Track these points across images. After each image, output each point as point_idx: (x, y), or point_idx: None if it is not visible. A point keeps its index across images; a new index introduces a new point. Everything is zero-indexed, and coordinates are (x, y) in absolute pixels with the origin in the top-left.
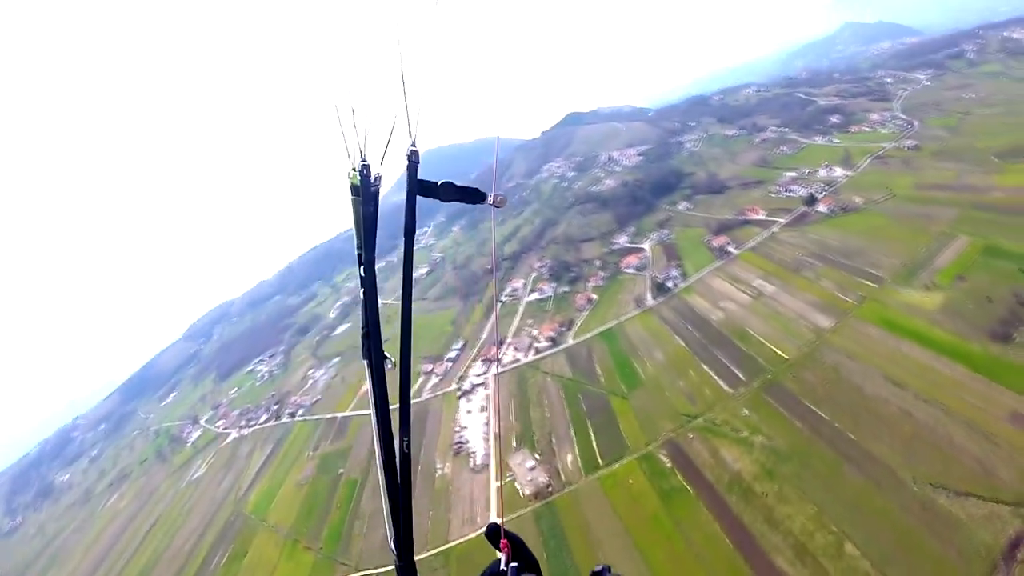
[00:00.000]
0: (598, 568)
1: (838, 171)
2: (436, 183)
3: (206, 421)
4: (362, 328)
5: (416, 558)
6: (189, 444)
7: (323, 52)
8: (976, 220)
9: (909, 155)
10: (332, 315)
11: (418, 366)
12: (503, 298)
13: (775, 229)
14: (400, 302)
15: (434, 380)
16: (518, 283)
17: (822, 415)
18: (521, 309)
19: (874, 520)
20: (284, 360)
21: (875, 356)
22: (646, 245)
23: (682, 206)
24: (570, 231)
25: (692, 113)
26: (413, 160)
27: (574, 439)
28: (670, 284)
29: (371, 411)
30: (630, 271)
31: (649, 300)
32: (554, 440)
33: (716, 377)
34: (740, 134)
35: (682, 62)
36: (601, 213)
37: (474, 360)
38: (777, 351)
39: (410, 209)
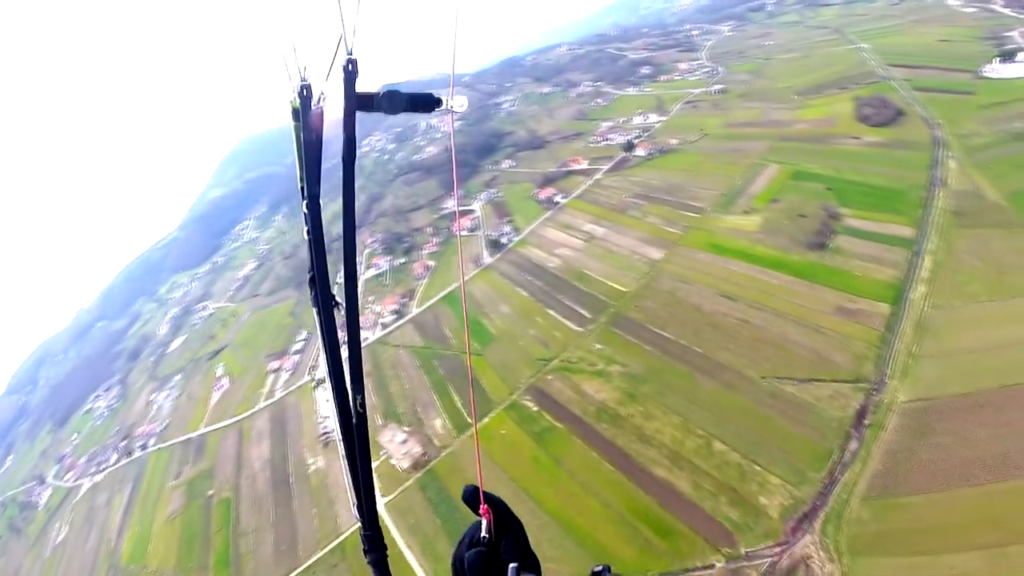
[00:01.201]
0: (598, 568)
1: (652, 117)
2: (378, 93)
3: (53, 477)
4: (309, 271)
5: (309, 560)
6: (41, 507)
7: None
8: (783, 150)
9: (717, 98)
10: (163, 331)
11: (264, 364)
12: (339, 280)
13: (598, 176)
14: (343, 242)
15: (284, 376)
16: None
17: (668, 336)
18: (360, 288)
19: (733, 417)
20: (122, 390)
21: (707, 276)
22: (476, 206)
23: (506, 164)
24: (398, 202)
25: (507, 75)
26: (351, 71)
27: (438, 404)
28: (504, 240)
29: (324, 364)
30: (463, 233)
31: (486, 258)
32: (419, 409)
33: (564, 319)
34: (555, 91)
35: (497, 31)
36: (427, 181)
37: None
38: (616, 286)
39: (348, 129)
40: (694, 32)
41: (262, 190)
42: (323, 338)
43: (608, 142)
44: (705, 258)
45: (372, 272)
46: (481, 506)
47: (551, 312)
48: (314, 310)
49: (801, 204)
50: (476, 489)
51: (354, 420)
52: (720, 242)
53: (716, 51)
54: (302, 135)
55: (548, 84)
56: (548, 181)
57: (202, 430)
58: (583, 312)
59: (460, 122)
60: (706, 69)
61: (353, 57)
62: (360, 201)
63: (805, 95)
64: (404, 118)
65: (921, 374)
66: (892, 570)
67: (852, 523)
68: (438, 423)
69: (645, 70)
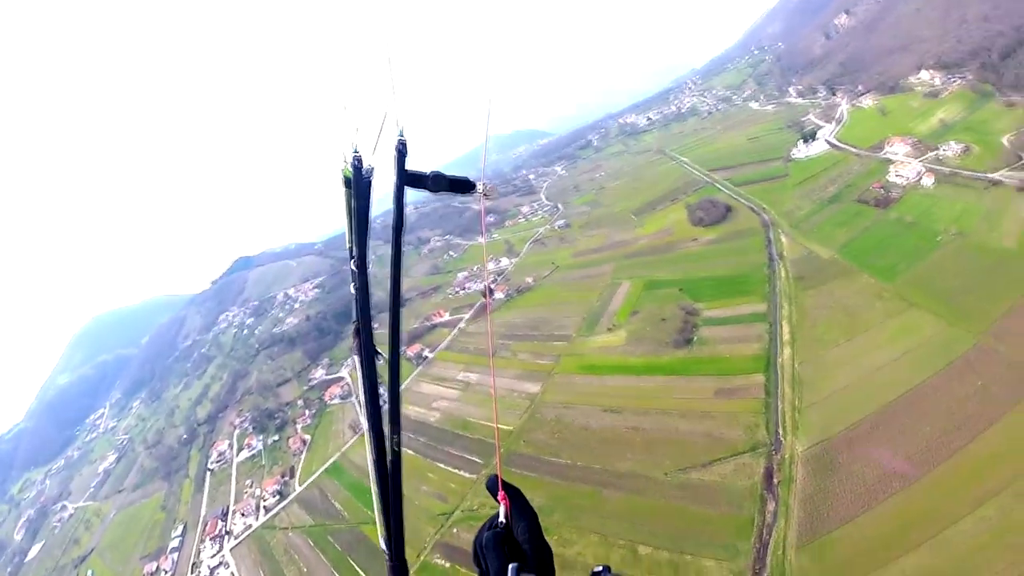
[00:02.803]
0: (598, 568)
1: (505, 261)
2: (425, 173)
3: None
4: (353, 323)
5: None
6: None
7: (310, 47)
8: (632, 266)
9: (562, 232)
10: (18, 537)
11: (140, 567)
12: (211, 466)
13: (462, 325)
14: (389, 300)
15: None
16: (223, 445)
17: (564, 461)
18: (234, 472)
19: (649, 519)
20: None
21: (588, 397)
22: (344, 372)
23: None
24: (263, 377)
25: None
26: (401, 150)
27: None
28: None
29: (363, 410)
30: (336, 401)
31: (363, 422)
32: None
33: (455, 470)
34: (408, 249)
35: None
36: (291, 352)
37: (203, 541)
38: (502, 427)
39: (398, 201)
40: (531, 176)
41: (115, 374)
42: (364, 386)
43: (466, 291)
44: (582, 380)
45: (246, 454)
46: (499, 493)
47: (441, 465)
48: (356, 358)
49: (659, 310)
50: (497, 477)
51: (389, 457)
52: (593, 362)
53: (553, 190)
54: (353, 203)
55: None
56: (414, 337)
57: None
58: (473, 459)
59: (316, 290)
60: (547, 208)
61: (404, 138)
62: (223, 380)
63: (641, 213)
64: (261, 289)
65: (810, 422)
66: None
67: (796, 574)
68: None
69: (491, 218)
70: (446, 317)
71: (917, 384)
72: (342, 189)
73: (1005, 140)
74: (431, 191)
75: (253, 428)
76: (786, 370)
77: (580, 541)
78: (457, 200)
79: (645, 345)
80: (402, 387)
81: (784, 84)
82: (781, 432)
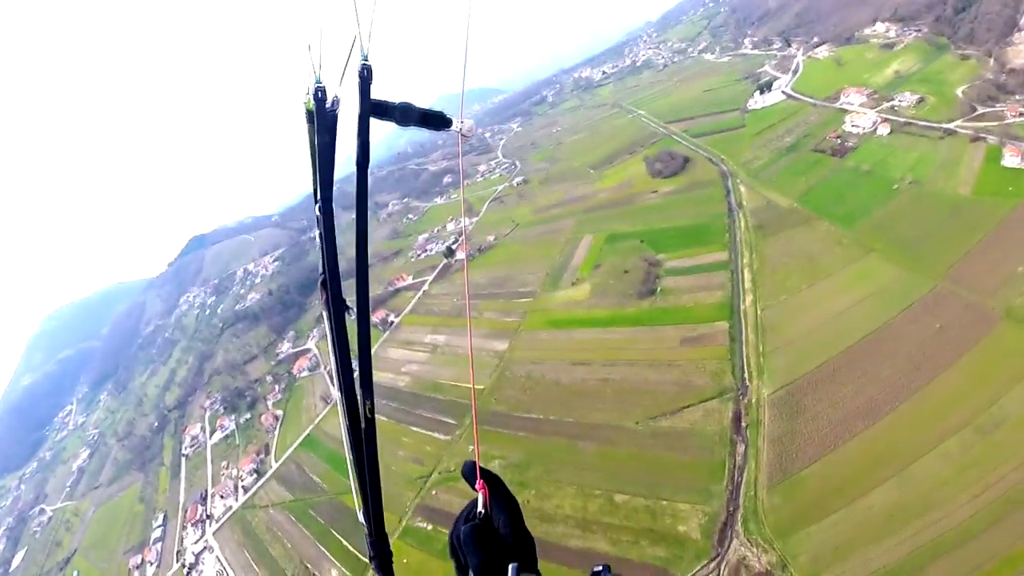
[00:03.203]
0: (598, 568)
1: (465, 220)
2: (393, 103)
3: None
4: (320, 274)
5: None
6: None
7: None
8: (592, 220)
9: (521, 189)
10: (0, 546)
11: (125, 562)
12: (185, 451)
13: (426, 287)
14: (355, 245)
15: (151, 569)
16: (195, 429)
17: (537, 416)
18: (209, 455)
19: (624, 468)
20: None
21: (556, 352)
22: (311, 344)
23: None
24: (230, 357)
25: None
26: (366, 76)
27: (329, 555)
28: None
29: (333, 370)
30: (305, 374)
31: (335, 392)
32: (310, 566)
33: (430, 432)
34: None
35: (297, 165)
36: (256, 329)
37: (184, 528)
38: (471, 387)
39: (362, 134)
40: (486, 134)
41: (79, 369)
42: (333, 342)
43: (428, 253)
44: (549, 336)
45: (219, 435)
46: (477, 481)
47: (415, 429)
48: (324, 313)
49: (622, 262)
50: (474, 464)
51: (363, 425)
52: (558, 317)
53: (510, 147)
54: (315, 139)
55: None
56: (378, 303)
57: None
58: (447, 420)
59: (276, 263)
60: (505, 166)
61: (368, 63)
62: (189, 363)
63: (600, 167)
64: (220, 267)
65: (775, 366)
66: (821, 534)
67: (769, 512)
68: (334, 574)
69: (448, 179)
70: (409, 280)
71: (877, 328)
72: (304, 125)
73: (959, 91)
74: (400, 124)
75: (224, 409)
76: (749, 317)
77: (558, 494)
78: (413, 161)
79: (609, 297)
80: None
81: (739, 36)
82: (747, 377)
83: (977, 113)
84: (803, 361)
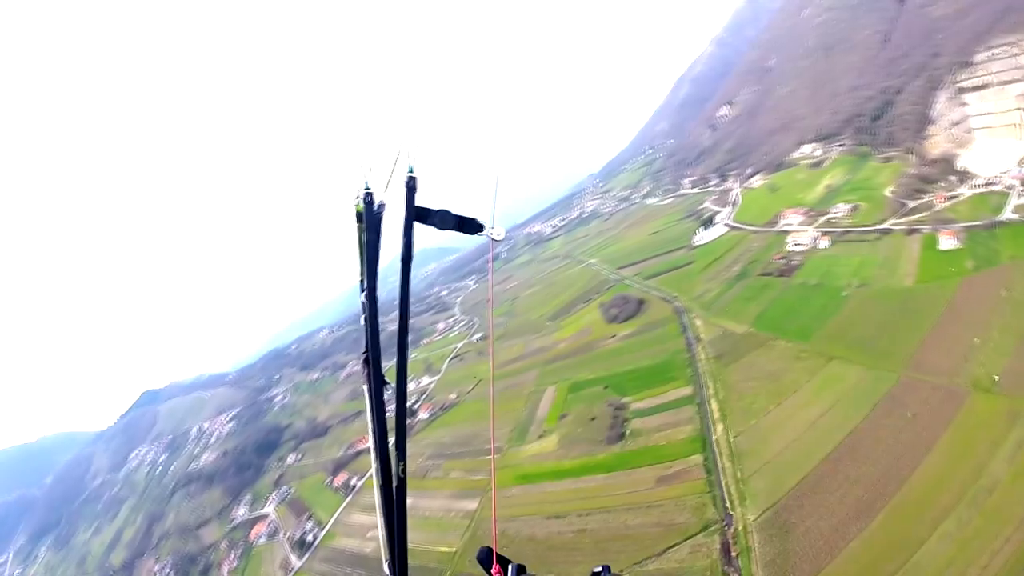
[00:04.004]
0: (598, 569)
1: (425, 379)
2: (433, 209)
3: None
4: (362, 353)
5: None
6: None
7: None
8: (554, 370)
9: (481, 346)
10: None
11: None
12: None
13: None
14: (397, 328)
15: None
16: None
17: None
18: None
19: None
20: None
21: (528, 507)
22: (269, 509)
23: (292, 459)
24: (182, 519)
25: (272, 367)
26: (411, 186)
27: None
28: (310, 537)
29: (369, 436)
30: (263, 541)
31: (296, 562)
32: None
33: None
34: (325, 375)
35: (255, 324)
36: (210, 490)
37: None
38: (443, 549)
39: (407, 235)
40: (443, 293)
41: (18, 517)
42: (371, 414)
43: (389, 414)
44: (519, 492)
45: None
46: (493, 567)
47: None
48: (365, 387)
49: (587, 410)
50: (490, 550)
51: (394, 484)
52: (528, 472)
53: (467, 304)
54: (364, 235)
55: (316, 370)
56: (340, 466)
57: None
58: None
59: (232, 423)
60: (463, 323)
61: (414, 175)
62: (137, 523)
63: (557, 318)
64: (174, 424)
65: (756, 490)
66: None
67: None
68: None
69: (408, 337)
70: (370, 442)
71: (851, 430)
72: (353, 224)
73: (888, 192)
74: (438, 228)
75: (174, 575)
76: (722, 445)
77: None
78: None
79: (579, 447)
80: (331, 520)
81: (678, 177)
82: (729, 506)
83: (908, 208)
84: (784, 479)
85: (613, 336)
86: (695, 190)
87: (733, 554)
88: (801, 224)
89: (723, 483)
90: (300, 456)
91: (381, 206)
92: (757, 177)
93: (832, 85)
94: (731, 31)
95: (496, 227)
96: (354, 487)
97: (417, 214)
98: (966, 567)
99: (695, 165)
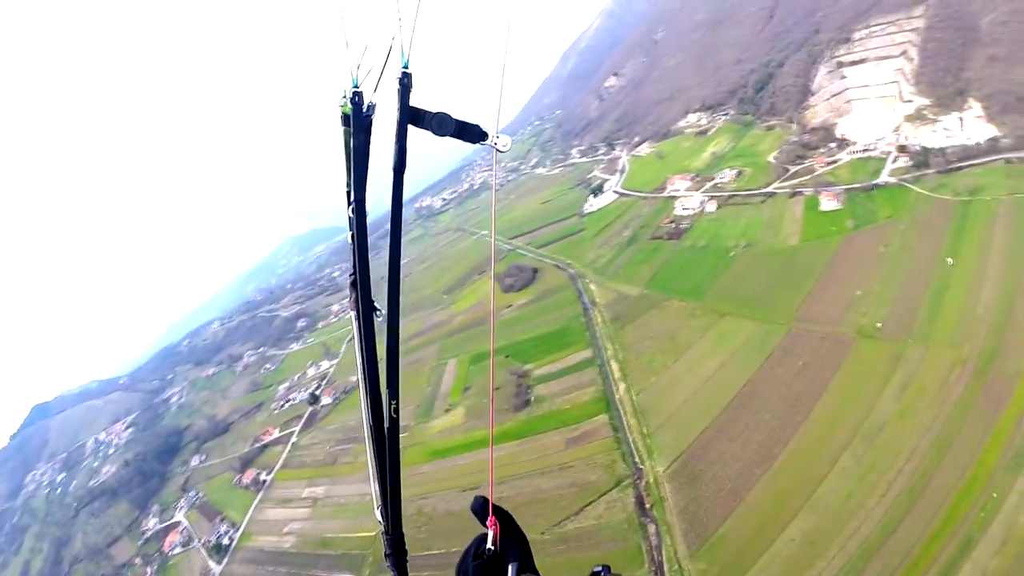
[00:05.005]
0: (598, 569)
1: (325, 364)
2: (431, 111)
3: None
4: (350, 275)
5: None
6: None
7: None
8: (454, 344)
9: (377, 325)
10: None
11: None
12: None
13: (295, 439)
14: (388, 246)
15: None
16: None
17: (438, 551)
18: None
19: None
20: None
21: (443, 482)
22: (180, 516)
23: (196, 461)
24: (90, 540)
25: (166, 366)
26: (405, 83)
27: None
28: (227, 540)
29: (359, 369)
30: (178, 551)
31: (215, 568)
32: None
33: None
34: (221, 369)
35: (141, 321)
36: (115, 505)
37: None
38: (364, 534)
39: (400, 140)
40: (335, 274)
41: None
42: (360, 341)
43: (291, 402)
44: (432, 467)
45: None
46: (489, 517)
47: None
48: (352, 313)
49: (492, 378)
50: (486, 500)
51: (386, 424)
52: (438, 447)
53: None
54: (351, 140)
55: (211, 365)
56: (247, 463)
57: None
58: (345, 575)
59: (130, 430)
60: None
61: (408, 71)
62: (44, 552)
63: (453, 291)
64: (68, 439)
65: (663, 443)
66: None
67: None
68: None
69: (302, 323)
70: (276, 434)
71: (747, 381)
72: (340, 128)
73: (771, 158)
74: (435, 133)
75: None
76: (626, 404)
77: None
78: (264, 308)
79: (485, 417)
80: (245, 520)
81: (567, 147)
82: (638, 460)
83: (790, 173)
84: (687, 431)
85: (510, 306)
86: (584, 159)
87: (647, 505)
88: (688, 190)
89: (630, 439)
90: (204, 457)
91: (371, 107)
92: (644, 145)
93: (718, 58)
94: (620, 4)
95: (501, 136)
96: (264, 482)
97: (412, 116)
98: (865, 498)
99: (583, 135)
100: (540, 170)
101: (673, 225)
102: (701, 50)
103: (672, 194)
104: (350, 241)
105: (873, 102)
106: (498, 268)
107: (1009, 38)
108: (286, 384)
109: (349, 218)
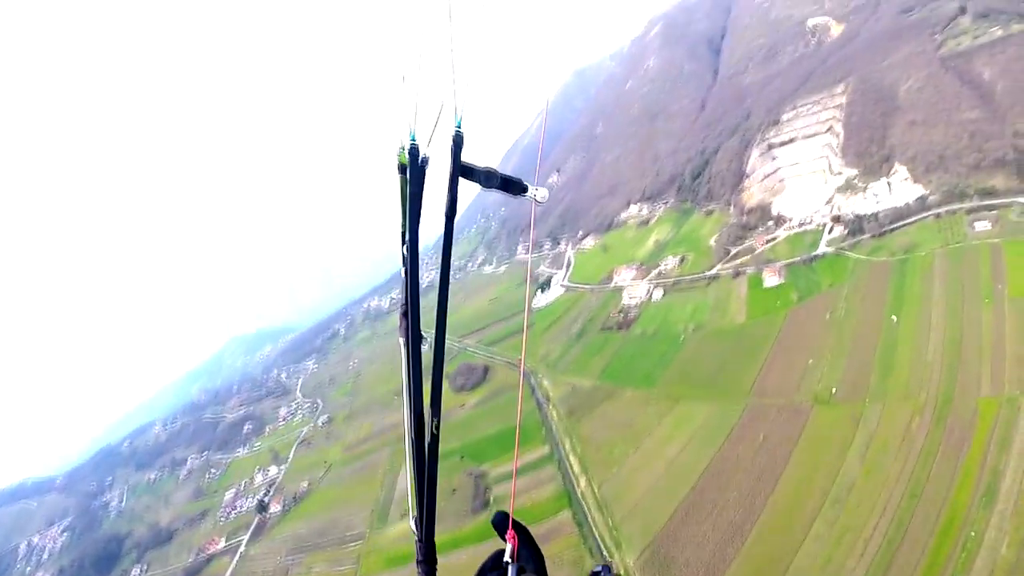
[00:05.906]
0: (597, 568)
1: (273, 470)
2: (478, 167)
3: None
4: (401, 306)
5: None
6: None
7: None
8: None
9: (328, 429)
10: None
11: None
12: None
13: (243, 549)
14: (439, 283)
15: None
16: None
17: None
18: None
19: None
20: None
21: None
22: None
23: (137, 571)
24: None
25: (104, 468)
26: (457, 141)
27: None
28: None
29: (404, 391)
30: None
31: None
32: None
33: None
34: (163, 474)
35: (79, 418)
36: None
37: None
38: None
39: (451, 191)
40: (282, 376)
41: None
42: (407, 368)
43: (239, 511)
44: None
45: None
46: (508, 531)
47: None
48: (401, 340)
49: (447, 483)
50: (506, 515)
51: (427, 440)
52: (396, 553)
53: (309, 387)
54: (407, 188)
55: (153, 469)
56: (191, 575)
57: None
58: None
59: (66, 534)
60: (306, 406)
61: (460, 130)
62: None
63: (400, 393)
64: None
65: (630, 534)
66: None
67: None
68: None
69: (248, 426)
70: (222, 544)
71: (709, 461)
72: (397, 176)
73: (712, 241)
74: (483, 186)
75: None
76: (588, 497)
77: None
78: (209, 410)
79: (444, 521)
80: None
81: (512, 245)
82: (607, 554)
83: (732, 254)
84: (654, 518)
85: (462, 405)
86: (529, 256)
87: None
88: (634, 279)
89: (596, 533)
90: (145, 567)
91: (425, 159)
92: (589, 239)
93: (655, 149)
94: (559, 103)
95: (540, 189)
96: None
97: (462, 170)
98: (844, 560)
99: (528, 232)
100: (487, 268)
101: (622, 315)
102: (639, 142)
103: (619, 284)
104: (403, 276)
105: (805, 178)
106: (448, 368)
107: (925, 102)
108: (232, 491)
109: (403, 255)
